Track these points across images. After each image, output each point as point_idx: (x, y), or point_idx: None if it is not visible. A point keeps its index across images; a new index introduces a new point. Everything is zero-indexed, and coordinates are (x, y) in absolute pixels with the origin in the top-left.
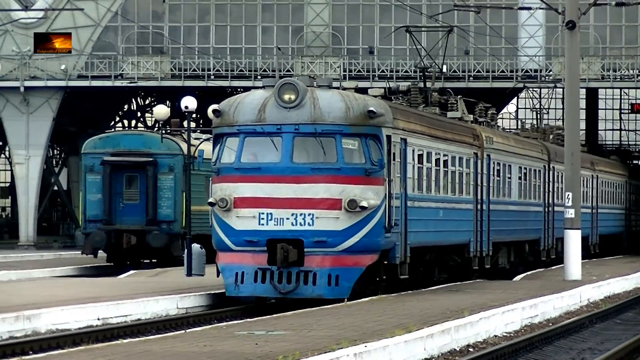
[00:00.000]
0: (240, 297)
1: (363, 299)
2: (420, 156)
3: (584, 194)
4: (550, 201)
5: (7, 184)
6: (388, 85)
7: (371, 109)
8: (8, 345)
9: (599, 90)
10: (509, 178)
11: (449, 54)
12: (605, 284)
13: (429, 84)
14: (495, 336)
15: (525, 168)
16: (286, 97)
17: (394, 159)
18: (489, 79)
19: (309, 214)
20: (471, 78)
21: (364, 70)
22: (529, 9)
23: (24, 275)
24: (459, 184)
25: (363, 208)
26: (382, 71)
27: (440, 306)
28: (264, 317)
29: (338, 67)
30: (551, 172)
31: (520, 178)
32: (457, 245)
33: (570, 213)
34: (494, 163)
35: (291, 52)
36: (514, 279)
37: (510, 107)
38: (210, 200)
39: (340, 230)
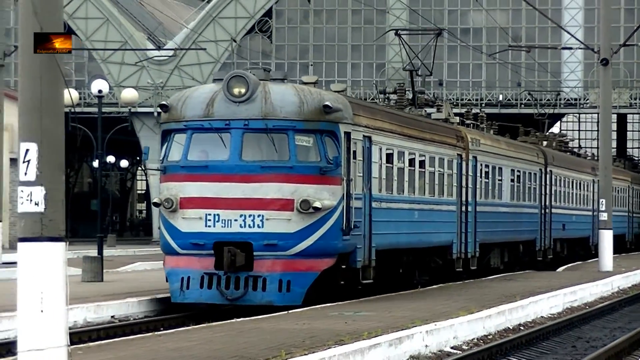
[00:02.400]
0: (186, 304)
1: (433, 286)
2: (389, 155)
3: (621, 199)
4: (547, 203)
5: (144, 191)
6: (375, 81)
7: (327, 103)
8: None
9: (628, 115)
10: (500, 180)
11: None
12: (632, 274)
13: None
14: (542, 317)
15: (519, 171)
16: (236, 90)
17: (354, 157)
18: (537, 106)
19: (259, 216)
20: (522, 105)
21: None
22: (570, 48)
23: (156, 265)
24: (439, 185)
25: (317, 209)
26: (450, 100)
27: (496, 292)
28: (352, 300)
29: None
30: (548, 176)
31: (512, 180)
32: (438, 247)
33: (604, 216)
34: (481, 165)
35: (375, 84)
36: (557, 270)
37: (554, 130)
38: (154, 200)
39: (293, 233)
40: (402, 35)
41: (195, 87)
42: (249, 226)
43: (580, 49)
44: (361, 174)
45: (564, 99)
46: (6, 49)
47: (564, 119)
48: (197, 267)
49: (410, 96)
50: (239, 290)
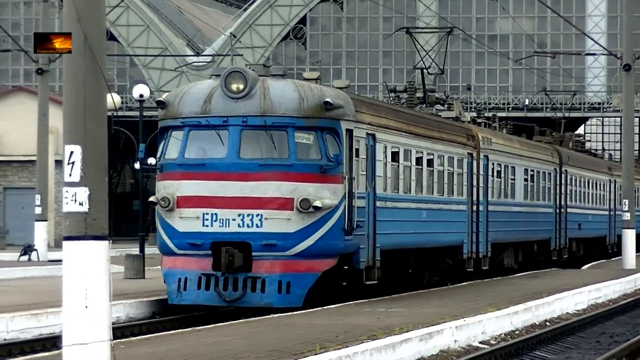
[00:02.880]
0: (183, 305)
1: (463, 283)
2: (395, 154)
3: None
4: (562, 203)
5: None
6: (384, 83)
7: (328, 99)
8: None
9: None
10: (513, 179)
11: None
12: None
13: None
14: (567, 313)
15: (533, 170)
16: (234, 86)
17: (356, 156)
18: (562, 110)
19: (257, 215)
20: (548, 109)
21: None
22: (593, 54)
23: None
24: (449, 184)
25: (317, 208)
26: (477, 103)
27: (523, 289)
28: (384, 297)
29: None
30: (563, 175)
31: (526, 180)
32: (448, 247)
33: (627, 216)
34: (493, 164)
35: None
36: (582, 268)
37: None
38: (151, 199)
39: (292, 233)
40: (412, 33)
41: (193, 83)
42: (248, 226)
43: (604, 55)
44: (364, 173)
45: (588, 103)
46: (51, 55)
47: (588, 123)
48: (195, 267)
49: (421, 95)
50: (237, 291)
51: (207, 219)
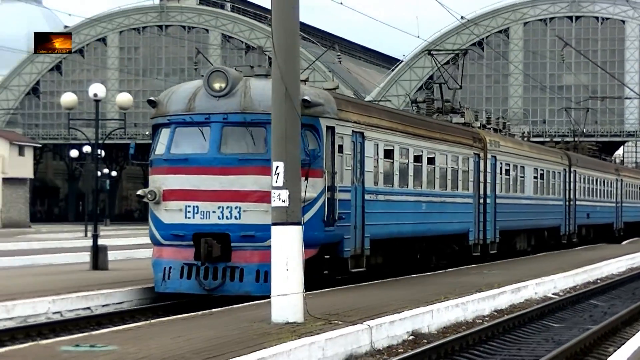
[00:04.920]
0: (168, 293)
1: (539, 254)
2: (389, 151)
3: None
4: (572, 197)
5: None
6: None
7: (305, 97)
8: None
9: None
10: (522, 177)
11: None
12: None
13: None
14: (612, 274)
15: (542, 170)
16: (216, 85)
17: (340, 151)
18: (608, 136)
19: (236, 207)
20: (598, 135)
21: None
22: (628, 98)
23: None
24: (453, 180)
25: None
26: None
27: (582, 258)
28: (487, 263)
29: (522, 132)
30: (572, 175)
31: (535, 177)
32: (454, 234)
33: None
34: (501, 163)
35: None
36: (622, 243)
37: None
38: (138, 192)
39: (270, 225)
40: (434, 55)
41: (181, 84)
42: (227, 218)
43: (636, 98)
44: (350, 168)
45: (626, 131)
46: None
47: (626, 145)
48: (178, 257)
49: (439, 105)
50: (216, 280)
51: (189, 211)
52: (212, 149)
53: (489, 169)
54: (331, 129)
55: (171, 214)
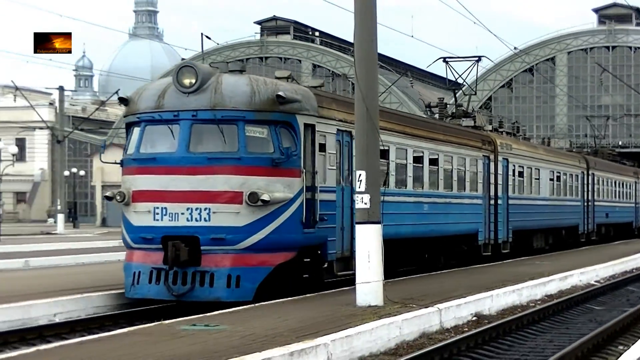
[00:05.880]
0: (137, 298)
1: (582, 248)
2: (384, 152)
3: None
4: (590, 197)
5: None
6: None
7: (280, 93)
8: None
9: None
10: (537, 179)
11: None
12: None
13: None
14: None
15: (559, 172)
16: (186, 81)
17: (322, 150)
18: None
19: (205, 209)
20: (632, 146)
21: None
22: None
23: None
24: (459, 181)
25: (265, 202)
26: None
27: (618, 251)
28: (533, 256)
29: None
30: (590, 177)
31: (551, 179)
32: (461, 235)
33: None
34: (513, 165)
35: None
36: None
37: None
38: (107, 194)
39: (242, 227)
40: (449, 62)
41: (155, 80)
42: (196, 220)
43: None
44: (334, 167)
45: None
46: None
47: None
48: (147, 261)
49: (453, 110)
50: (185, 285)
51: (157, 213)
52: (180, 147)
53: (500, 171)
54: (311, 127)
55: (140, 216)
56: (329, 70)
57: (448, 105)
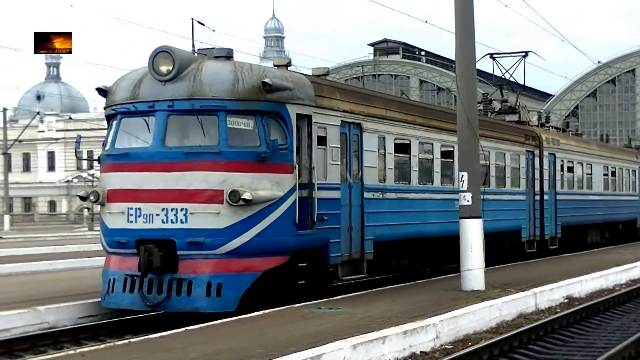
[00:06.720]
0: (112, 309)
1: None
2: (403, 146)
3: None
4: None
5: None
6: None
7: (266, 80)
8: None
9: None
10: (589, 174)
11: None
12: None
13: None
14: None
15: (614, 167)
16: (163, 68)
17: (320, 144)
18: None
19: (182, 209)
20: None
21: None
22: None
23: None
24: (498, 177)
25: (247, 201)
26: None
27: None
28: (568, 254)
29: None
30: None
31: (605, 175)
32: (502, 232)
33: None
34: (562, 161)
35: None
36: None
37: None
38: (80, 193)
39: (222, 229)
40: (496, 58)
41: (133, 70)
42: (172, 221)
43: None
44: (337, 162)
45: None
46: None
47: None
48: (122, 268)
49: (498, 106)
50: (161, 294)
51: (131, 215)
52: (155, 141)
53: (545, 166)
54: (307, 118)
55: (114, 217)
56: (434, 85)
57: (494, 102)
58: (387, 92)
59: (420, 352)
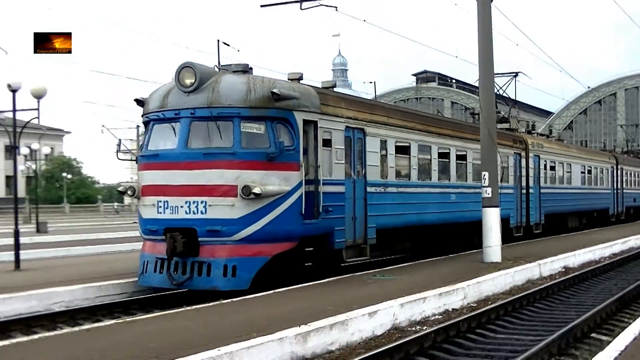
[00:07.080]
0: (145, 287)
1: (614, 226)
2: (403, 147)
3: None
4: (619, 186)
5: None
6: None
7: (274, 90)
8: None
9: None
10: (569, 172)
11: None
12: None
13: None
14: None
15: (590, 167)
16: (187, 81)
17: (326, 146)
18: None
19: (202, 202)
20: None
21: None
22: None
23: None
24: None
25: (257, 195)
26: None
27: None
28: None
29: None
30: (619, 171)
31: (582, 172)
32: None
33: None
34: (545, 161)
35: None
36: None
37: None
38: (119, 188)
39: (237, 219)
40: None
41: (165, 83)
42: (193, 212)
43: None
44: (342, 161)
45: None
46: None
47: None
48: (154, 252)
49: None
50: (185, 275)
51: (160, 206)
52: (180, 144)
53: (531, 166)
54: (313, 123)
55: (147, 209)
56: (462, 105)
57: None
58: (426, 111)
59: (452, 309)
